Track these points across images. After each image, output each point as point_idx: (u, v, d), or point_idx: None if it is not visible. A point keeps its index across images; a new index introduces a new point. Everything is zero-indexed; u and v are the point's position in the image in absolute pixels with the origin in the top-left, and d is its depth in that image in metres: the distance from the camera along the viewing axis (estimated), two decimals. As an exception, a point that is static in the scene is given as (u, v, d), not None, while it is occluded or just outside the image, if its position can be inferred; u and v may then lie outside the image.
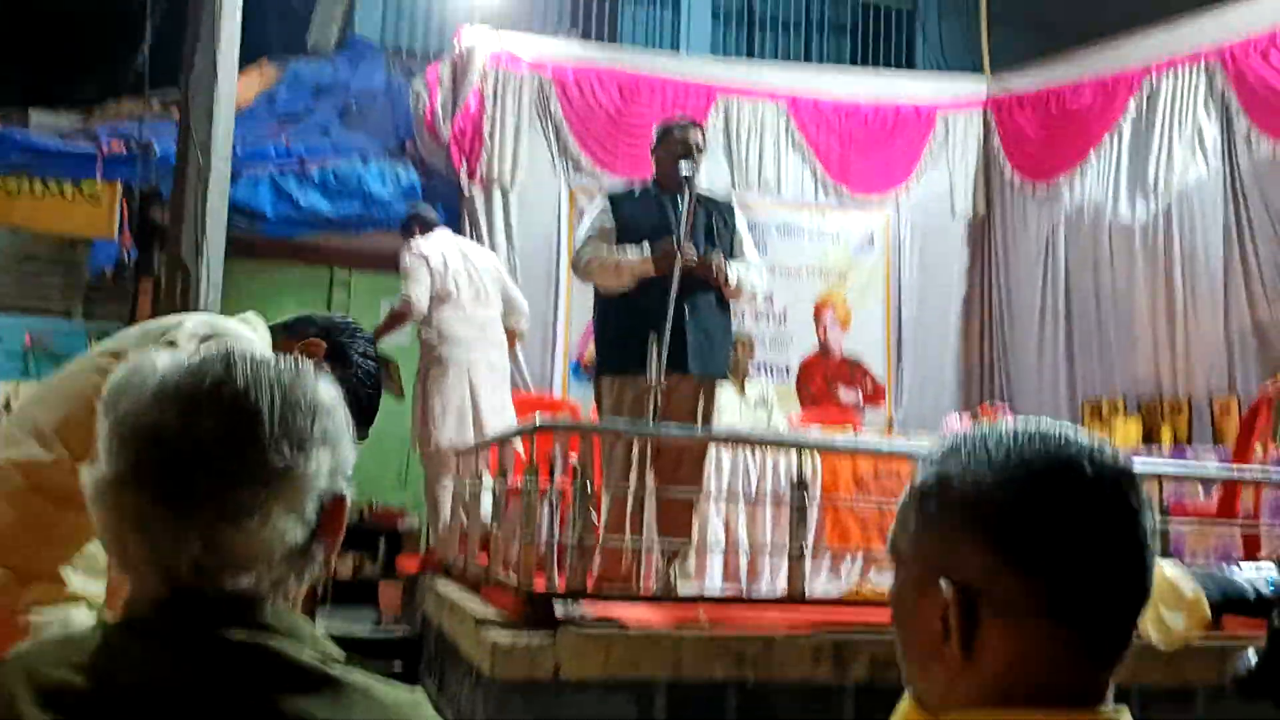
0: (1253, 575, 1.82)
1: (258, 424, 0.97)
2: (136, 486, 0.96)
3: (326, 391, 1.04)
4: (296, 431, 0.99)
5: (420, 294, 5.68)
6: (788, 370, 7.70)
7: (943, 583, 0.94)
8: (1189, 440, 6.53)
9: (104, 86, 7.36)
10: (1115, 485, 0.96)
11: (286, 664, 0.96)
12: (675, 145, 4.48)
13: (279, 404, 0.99)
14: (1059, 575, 0.92)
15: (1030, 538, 0.93)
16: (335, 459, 1.02)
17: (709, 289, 4.42)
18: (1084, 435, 1.00)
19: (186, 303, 5.32)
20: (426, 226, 6.02)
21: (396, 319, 5.71)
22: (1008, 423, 1.01)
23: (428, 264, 5.73)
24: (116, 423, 0.98)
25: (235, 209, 6.03)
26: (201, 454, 0.96)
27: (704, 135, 4.68)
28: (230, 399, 0.98)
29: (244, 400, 0.98)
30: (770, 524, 5.26)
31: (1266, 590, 1.79)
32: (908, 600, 0.99)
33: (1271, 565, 1.85)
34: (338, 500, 1.04)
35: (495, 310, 5.96)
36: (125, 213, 6.46)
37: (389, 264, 7.71)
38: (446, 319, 5.72)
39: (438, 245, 5.87)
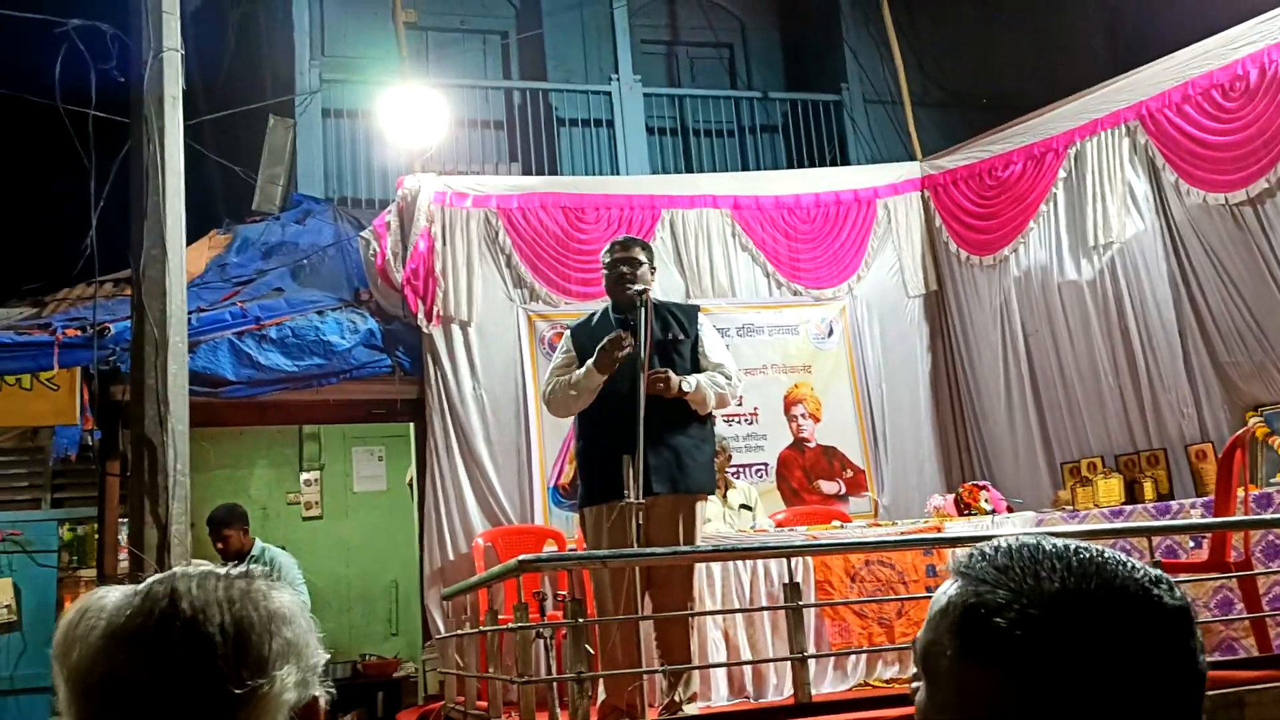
0: None
1: (211, 656, 0.94)
2: None
3: (281, 599, 1.01)
4: (254, 654, 0.96)
5: None
6: (766, 469, 7.70)
7: None
8: (1170, 491, 6.54)
9: (54, 276, 7.38)
10: (1168, 625, 0.88)
11: None
12: (610, 269, 4.61)
13: (232, 628, 0.96)
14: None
15: (1049, 675, 0.86)
16: (301, 668, 0.99)
17: (671, 405, 4.42)
18: (1134, 562, 0.90)
19: (155, 478, 5.26)
20: None
21: None
22: (1038, 542, 0.92)
23: None
24: (70, 675, 0.95)
25: (196, 377, 6.01)
26: (158, 701, 0.92)
27: (642, 248, 4.69)
28: (181, 633, 0.95)
29: (194, 633, 0.95)
30: (769, 629, 5.19)
31: None
32: None
33: None
34: (310, 705, 1.01)
35: None
36: (86, 396, 6.42)
37: (357, 413, 7.72)
38: None
39: None
